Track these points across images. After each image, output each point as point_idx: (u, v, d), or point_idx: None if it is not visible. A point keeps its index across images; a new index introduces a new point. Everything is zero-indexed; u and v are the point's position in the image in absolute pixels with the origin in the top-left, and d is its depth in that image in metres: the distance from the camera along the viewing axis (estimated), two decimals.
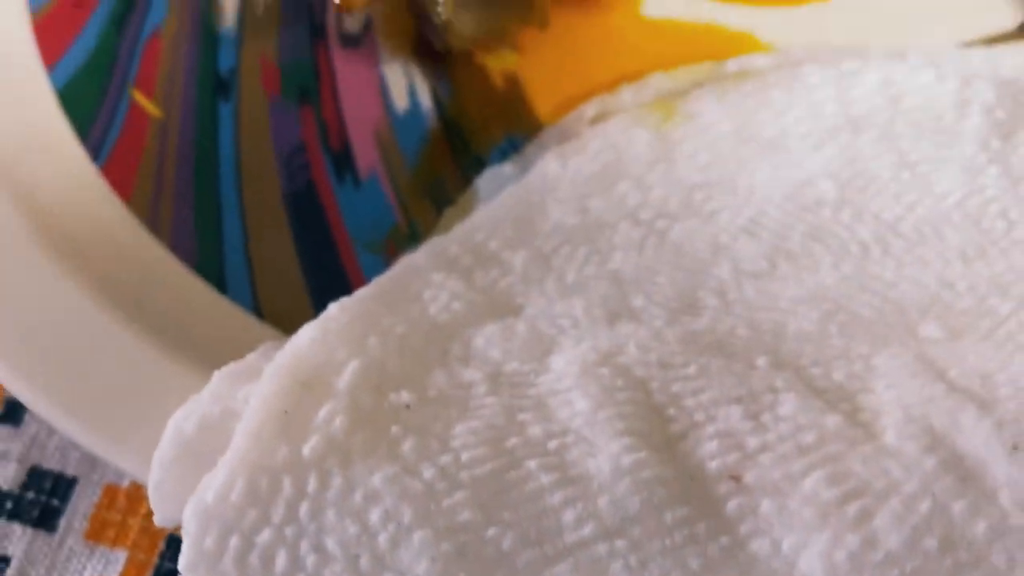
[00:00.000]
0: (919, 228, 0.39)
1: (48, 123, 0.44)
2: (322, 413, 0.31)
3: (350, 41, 0.46)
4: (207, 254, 0.43)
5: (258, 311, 0.42)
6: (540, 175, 0.42)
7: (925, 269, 0.37)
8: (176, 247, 0.42)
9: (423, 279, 0.38)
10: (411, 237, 0.43)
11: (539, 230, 0.40)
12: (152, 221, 0.43)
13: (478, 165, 0.44)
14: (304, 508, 0.29)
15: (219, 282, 0.42)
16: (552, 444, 0.30)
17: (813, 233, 0.39)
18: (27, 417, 0.43)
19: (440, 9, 0.41)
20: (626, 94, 0.44)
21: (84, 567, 0.41)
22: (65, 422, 0.37)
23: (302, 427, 0.30)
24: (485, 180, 0.44)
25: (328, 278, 0.42)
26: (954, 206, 0.39)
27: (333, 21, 0.46)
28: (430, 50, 0.45)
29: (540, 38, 0.45)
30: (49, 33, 0.46)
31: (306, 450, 0.30)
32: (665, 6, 0.46)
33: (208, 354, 0.39)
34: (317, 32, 0.46)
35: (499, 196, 0.42)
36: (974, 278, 0.37)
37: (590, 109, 0.44)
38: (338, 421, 0.30)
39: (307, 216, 0.43)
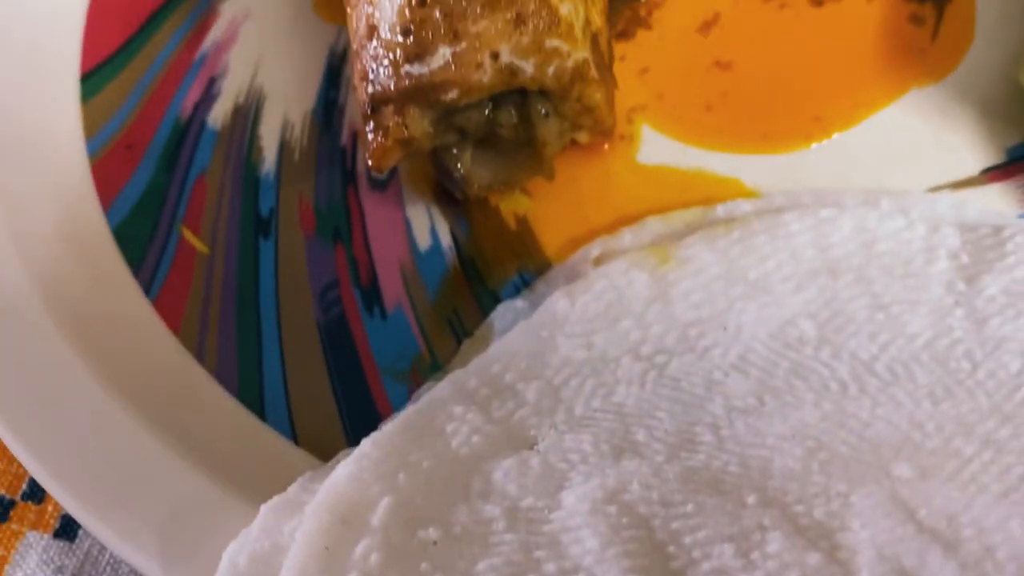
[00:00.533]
0: (892, 368, 0.43)
1: (104, 260, 0.49)
2: (359, 549, 0.35)
3: (378, 185, 0.51)
4: (248, 383, 0.47)
5: (294, 437, 0.46)
6: (550, 312, 0.46)
7: (897, 409, 0.41)
8: (220, 376, 0.47)
9: (445, 412, 0.42)
10: (433, 366, 0.47)
11: (549, 363, 0.45)
12: (199, 351, 0.47)
13: (493, 299, 0.48)
14: None
15: (259, 409, 0.46)
16: None
17: (796, 370, 0.44)
18: (81, 533, 0.47)
19: (459, 165, 0.46)
20: (626, 236, 0.49)
21: None
22: (121, 546, 0.41)
23: (341, 563, 0.34)
24: (499, 314, 0.48)
25: (358, 406, 0.46)
26: (923, 346, 0.44)
27: (363, 166, 0.51)
28: (449, 193, 0.50)
29: (548, 183, 0.50)
30: (105, 175, 0.51)
31: None
32: (658, 153, 0.51)
33: (250, 479, 0.43)
34: (348, 176, 0.51)
35: (513, 330, 0.47)
36: (941, 419, 0.41)
37: (594, 250, 0.49)
38: (373, 558, 0.34)
39: (339, 347, 0.47)
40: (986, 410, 0.41)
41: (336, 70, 0.53)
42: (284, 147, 0.52)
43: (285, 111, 0.53)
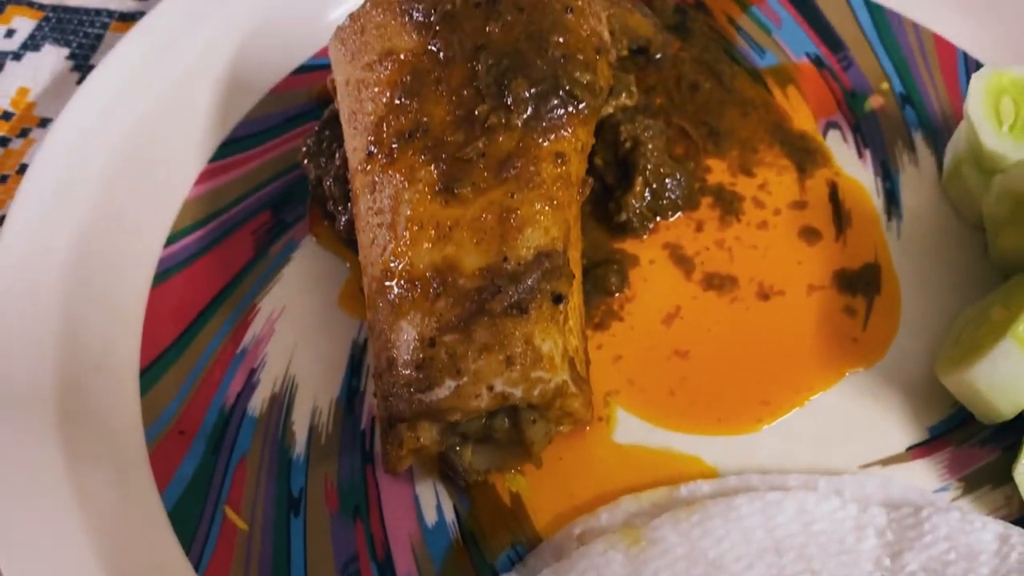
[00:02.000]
0: None
1: (161, 542, 0.57)
2: None
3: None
4: None
5: None
6: None
7: None
8: None
9: None
10: None
11: None
12: None
13: (491, 572, 0.56)
14: None
15: None
16: None
17: None
18: None
19: (461, 460, 0.55)
20: (603, 515, 0.57)
21: None
22: None
23: None
24: None
25: None
26: None
27: (379, 447, 0.60)
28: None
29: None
30: (160, 460, 0.60)
31: None
32: (631, 433, 0.60)
33: None
34: (367, 457, 0.60)
35: None
36: None
37: (576, 528, 0.57)
38: None
39: None
40: None
41: (358, 360, 0.63)
42: (313, 431, 0.61)
43: (314, 397, 0.62)
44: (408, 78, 0.58)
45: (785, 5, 0.78)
